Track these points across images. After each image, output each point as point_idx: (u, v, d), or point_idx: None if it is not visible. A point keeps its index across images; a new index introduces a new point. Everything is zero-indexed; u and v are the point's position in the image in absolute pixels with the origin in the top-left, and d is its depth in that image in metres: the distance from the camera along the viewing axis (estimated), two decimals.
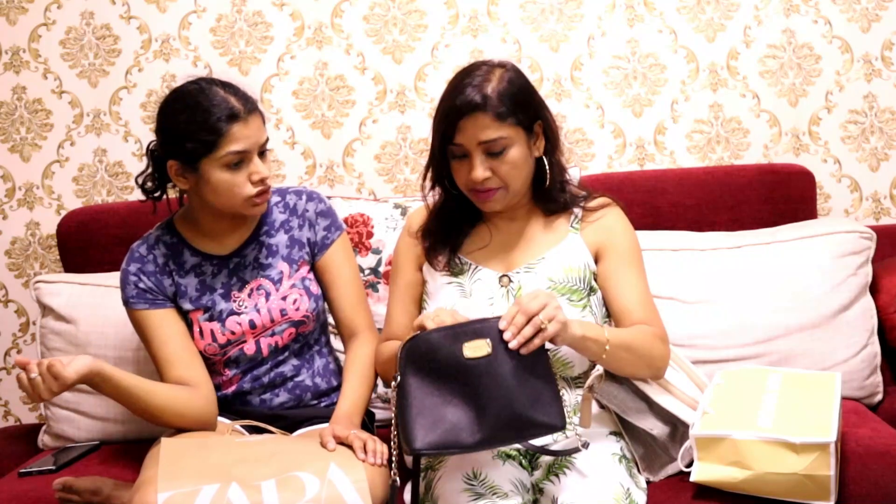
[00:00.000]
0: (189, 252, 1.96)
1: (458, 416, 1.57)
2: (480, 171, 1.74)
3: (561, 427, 1.60)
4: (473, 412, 1.57)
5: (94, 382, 1.75)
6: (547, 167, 1.82)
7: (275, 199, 2.01)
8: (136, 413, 1.85)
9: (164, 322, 1.92)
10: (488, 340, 1.57)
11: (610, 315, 1.85)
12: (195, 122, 1.81)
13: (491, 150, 1.74)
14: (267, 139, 1.89)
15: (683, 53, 2.55)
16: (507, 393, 1.56)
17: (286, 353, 1.97)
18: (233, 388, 1.96)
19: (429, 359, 1.57)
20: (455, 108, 1.74)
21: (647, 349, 1.73)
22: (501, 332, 1.57)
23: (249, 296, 1.94)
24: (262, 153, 1.87)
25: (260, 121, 1.86)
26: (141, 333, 1.94)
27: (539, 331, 1.56)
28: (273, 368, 1.96)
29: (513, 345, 1.56)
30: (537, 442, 1.77)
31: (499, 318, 1.59)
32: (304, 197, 2.01)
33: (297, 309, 1.94)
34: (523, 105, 1.77)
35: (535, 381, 1.58)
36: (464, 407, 1.57)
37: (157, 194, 1.97)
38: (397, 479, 1.66)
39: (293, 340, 1.96)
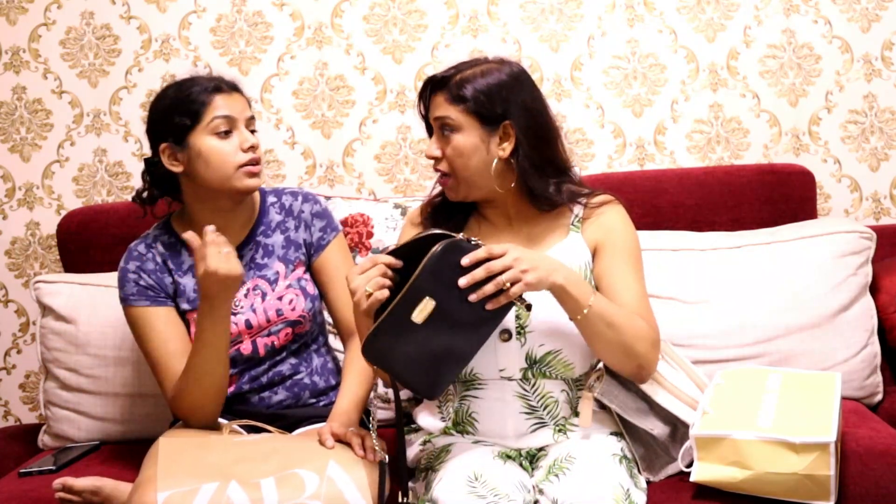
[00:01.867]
0: (186, 252, 1.96)
1: (451, 349, 1.61)
2: (433, 147, 1.79)
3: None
4: (459, 337, 1.61)
5: (226, 289, 1.78)
6: (517, 168, 1.79)
7: (271, 199, 2.02)
8: (205, 366, 1.83)
9: (166, 320, 1.92)
10: (427, 298, 1.58)
11: None
12: (180, 97, 1.90)
13: (443, 129, 1.78)
14: (253, 118, 1.94)
15: (683, 53, 2.55)
16: (467, 312, 1.59)
17: (283, 353, 1.97)
18: (231, 388, 1.96)
19: (389, 343, 1.59)
20: (426, 83, 1.82)
21: (631, 337, 1.71)
22: (431, 277, 1.58)
23: (246, 296, 1.94)
24: (251, 132, 1.92)
25: (244, 101, 1.93)
26: (140, 332, 1.94)
27: (501, 290, 1.59)
28: (271, 368, 1.96)
29: (472, 298, 1.58)
30: (536, 441, 1.78)
31: (425, 263, 1.58)
32: (299, 198, 2.02)
33: (294, 309, 1.94)
34: (491, 100, 1.76)
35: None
36: (448, 341, 1.60)
37: (146, 196, 2.01)
38: (386, 456, 1.69)
39: (290, 341, 1.97)
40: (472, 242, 1.61)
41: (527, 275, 1.59)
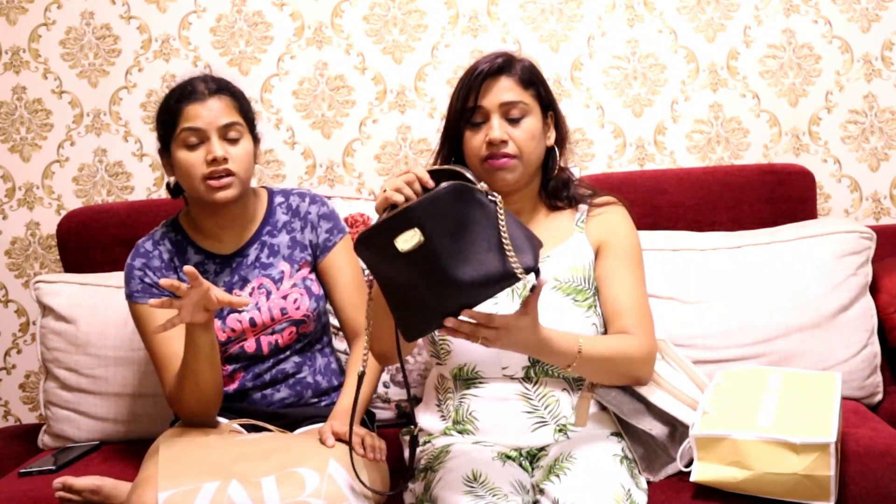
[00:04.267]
0: (193, 250, 1.97)
1: (425, 295, 1.50)
2: (499, 131, 1.77)
3: (517, 276, 1.49)
4: (436, 288, 1.49)
5: (203, 325, 1.77)
6: (557, 156, 1.86)
7: (278, 199, 2.02)
8: (199, 375, 1.81)
9: (168, 318, 1.91)
10: (416, 230, 1.48)
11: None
12: (162, 107, 1.92)
13: (511, 113, 1.78)
14: (234, 123, 1.88)
15: (683, 53, 2.55)
16: (453, 265, 1.48)
17: (287, 352, 1.97)
18: (234, 385, 1.96)
19: (375, 256, 1.52)
20: (480, 72, 1.79)
21: (624, 366, 1.74)
22: (428, 216, 1.48)
23: (251, 294, 1.95)
24: (232, 140, 1.88)
25: (224, 104, 1.89)
26: (144, 329, 1.94)
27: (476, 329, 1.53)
28: (274, 366, 1.96)
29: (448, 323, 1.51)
30: (537, 440, 1.77)
31: (429, 194, 1.50)
32: (307, 199, 2.02)
33: (298, 308, 1.94)
34: (543, 87, 1.85)
35: (480, 242, 1.49)
36: (425, 292, 1.49)
37: (173, 187, 2.01)
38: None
39: (295, 340, 1.97)
40: (490, 198, 1.52)
41: (489, 343, 1.54)
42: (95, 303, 2.29)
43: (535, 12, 2.56)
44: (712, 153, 2.56)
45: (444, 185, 1.51)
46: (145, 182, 2.63)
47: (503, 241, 1.49)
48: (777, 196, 2.34)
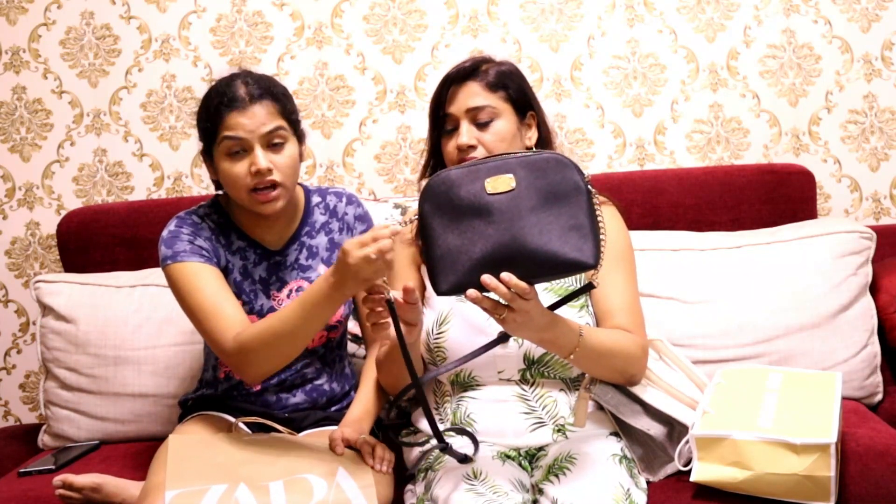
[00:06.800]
0: (236, 235, 1.92)
1: (482, 254, 1.49)
2: (466, 137, 1.78)
3: (591, 265, 1.49)
4: (497, 249, 1.49)
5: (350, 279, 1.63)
6: None
7: (315, 199, 1.99)
8: (307, 336, 1.74)
9: (220, 276, 1.84)
10: (511, 175, 1.50)
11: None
12: (203, 109, 1.85)
13: (478, 118, 1.78)
14: (278, 129, 1.81)
15: (683, 53, 2.55)
16: (530, 227, 1.48)
17: (313, 356, 1.95)
18: (259, 385, 1.93)
19: (448, 196, 1.52)
20: (448, 78, 1.81)
21: (622, 362, 1.73)
22: (525, 168, 1.51)
23: (288, 297, 1.92)
24: (275, 145, 1.81)
25: (267, 110, 1.80)
26: (189, 286, 1.81)
27: (499, 303, 1.51)
28: (301, 369, 1.93)
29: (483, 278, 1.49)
30: (535, 440, 1.77)
31: (520, 155, 1.52)
32: (343, 199, 2.00)
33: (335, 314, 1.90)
34: (517, 88, 1.83)
35: (565, 218, 1.49)
36: (487, 245, 1.49)
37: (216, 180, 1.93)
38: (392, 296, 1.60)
39: (323, 344, 1.95)
40: (587, 181, 1.51)
41: (505, 323, 1.54)
42: (95, 303, 2.29)
43: (535, 12, 2.56)
44: (712, 153, 2.56)
45: (545, 151, 1.54)
46: (145, 182, 2.63)
47: (593, 226, 1.50)
48: (777, 196, 2.34)
